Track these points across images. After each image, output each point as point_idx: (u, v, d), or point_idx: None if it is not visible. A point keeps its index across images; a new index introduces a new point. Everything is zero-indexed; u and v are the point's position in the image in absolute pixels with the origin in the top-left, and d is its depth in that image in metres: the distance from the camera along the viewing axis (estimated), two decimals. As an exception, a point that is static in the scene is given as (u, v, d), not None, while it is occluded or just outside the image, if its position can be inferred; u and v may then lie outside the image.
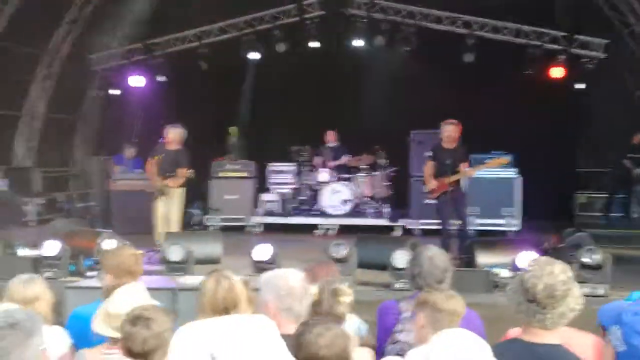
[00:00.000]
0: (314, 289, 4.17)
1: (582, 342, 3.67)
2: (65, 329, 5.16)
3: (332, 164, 16.28)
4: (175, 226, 12.20)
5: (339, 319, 4.06)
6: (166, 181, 12.00)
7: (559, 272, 3.24)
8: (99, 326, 4.11)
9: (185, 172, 12.03)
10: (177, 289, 7.92)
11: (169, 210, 12.17)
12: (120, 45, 17.59)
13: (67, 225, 12.25)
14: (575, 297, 3.26)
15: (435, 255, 4.70)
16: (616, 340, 2.49)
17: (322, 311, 4.06)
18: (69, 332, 5.00)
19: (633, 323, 2.44)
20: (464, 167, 11.52)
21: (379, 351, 4.41)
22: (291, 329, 3.35)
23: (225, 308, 4.15)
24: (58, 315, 6.03)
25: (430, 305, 3.81)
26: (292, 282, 3.93)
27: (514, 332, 4.15)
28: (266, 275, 4.10)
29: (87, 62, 17.25)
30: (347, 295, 4.18)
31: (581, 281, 8.33)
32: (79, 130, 18.21)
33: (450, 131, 11.43)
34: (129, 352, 3.41)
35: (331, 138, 16.60)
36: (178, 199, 12.25)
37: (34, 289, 4.78)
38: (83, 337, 4.45)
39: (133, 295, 4.17)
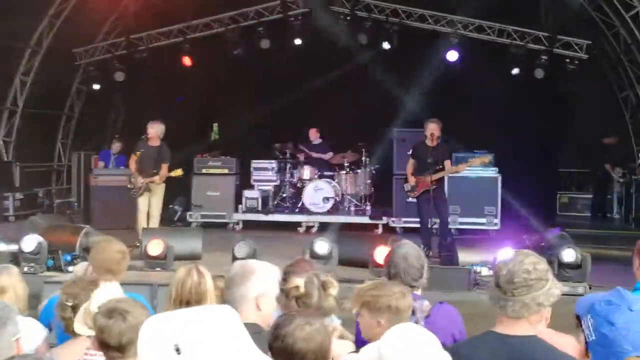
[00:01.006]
0: (299, 282, 4.16)
1: (562, 343, 3.66)
2: (42, 315, 5.15)
3: (316, 155, 16.28)
4: (156, 222, 12.26)
5: (328, 312, 4.05)
6: (152, 177, 12.01)
7: (528, 262, 3.24)
8: (80, 327, 4.03)
9: (168, 170, 12.11)
10: (157, 284, 7.89)
11: (150, 206, 12.21)
12: (103, 40, 17.50)
13: (47, 220, 12.18)
14: (546, 293, 3.22)
15: (409, 253, 4.67)
16: (587, 330, 2.48)
17: (311, 304, 4.05)
18: (45, 319, 4.99)
19: (605, 312, 2.43)
20: (448, 164, 11.57)
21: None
22: None
23: (188, 301, 4.15)
24: (35, 309, 6.01)
25: (390, 309, 3.81)
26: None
27: None
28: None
29: (71, 56, 17.14)
30: (335, 287, 4.18)
31: (561, 279, 8.39)
32: (61, 125, 18.11)
33: (432, 129, 11.44)
34: (104, 345, 3.35)
35: (314, 136, 16.60)
36: (160, 195, 12.31)
37: (3, 279, 4.72)
38: (58, 325, 4.41)
39: (114, 295, 4.11)
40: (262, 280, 3.86)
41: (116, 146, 16.67)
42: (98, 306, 3.49)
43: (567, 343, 3.79)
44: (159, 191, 12.29)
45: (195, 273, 4.26)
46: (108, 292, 4.17)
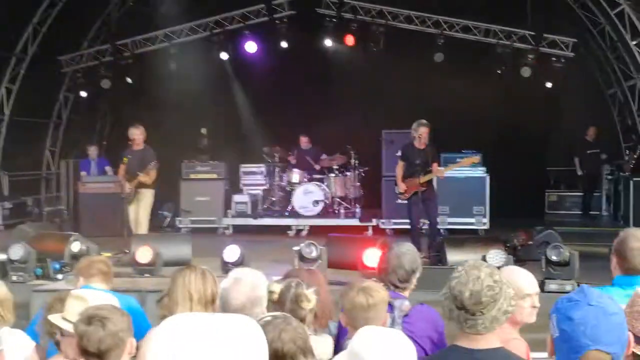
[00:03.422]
0: (276, 288, 4.15)
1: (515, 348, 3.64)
2: (32, 325, 5.12)
3: (318, 166, 16.25)
4: (144, 228, 12.20)
5: (301, 321, 4.04)
6: (139, 178, 11.97)
7: (485, 276, 3.13)
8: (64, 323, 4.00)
9: (152, 166, 12.04)
10: (145, 290, 7.87)
11: (137, 212, 12.18)
12: (89, 47, 17.46)
13: (35, 228, 12.13)
14: (507, 299, 3.16)
15: (404, 254, 4.68)
16: (552, 327, 2.52)
17: (284, 312, 4.04)
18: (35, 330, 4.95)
19: (565, 309, 2.47)
20: (435, 167, 11.53)
21: (339, 345, 4.39)
22: None
23: (207, 302, 4.16)
24: (24, 319, 5.98)
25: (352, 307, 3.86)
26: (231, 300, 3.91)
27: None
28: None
29: (56, 64, 17.09)
30: (309, 302, 4.14)
31: (549, 277, 8.42)
32: (49, 133, 18.04)
33: (423, 132, 11.41)
34: (84, 352, 3.33)
35: (305, 142, 16.57)
36: (147, 202, 12.25)
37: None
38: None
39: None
40: (265, 299, 3.99)
41: (92, 151, 16.73)
42: (79, 312, 3.47)
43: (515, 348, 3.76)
44: (147, 197, 12.22)
45: (208, 274, 4.28)
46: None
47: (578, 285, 7.95)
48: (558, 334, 2.49)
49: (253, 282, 3.93)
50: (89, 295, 4.08)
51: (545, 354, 3.20)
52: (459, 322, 3.19)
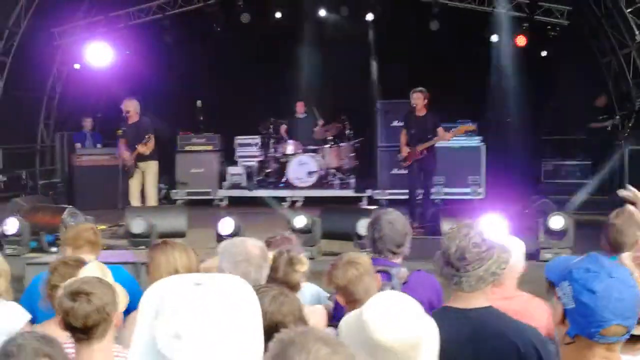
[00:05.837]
0: (270, 255, 4.16)
1: (535, 306, 3.65)
2: (25, 296, 5.11)
3: (321, 135, 16.17)
4: (153, 201, 12.34)
5: (294, 287, 4.05)
6: (137, 150, 11.97)
7: (475, 235, 3.16)
8: None
9: (149, 138, 12.09)
10: (140, 262, 7.87)
11: (145, 186, 12.31)
12: (82, 19, 17.31)
13: (30, 201, 12.13)
14: (497, 261, 3.18)
15: (396, 220, 4.68)
16: (565, 297, 2.43)
17: (277, 278, 4.04)
18: (28, 300, 4.94)
19: (584, 280, 2.37)
20: (441, 131, 11.56)
21: (337, 318, 4.39)
22: None
23: None
24: (19, 292, 5.97)
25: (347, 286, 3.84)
26: (249, 248, 3.91)
27: None
28: (223, 243, 4.08)
29: (50, 36, 16.97)
30: (303, 265, 4.15)
31: (545, 247, 8.43)
32: (44, 105, 17.94)
33: (415, 99, 11.42)
34: (69, 328, 3.24)
35: (300, 109, 16.49)
36: (152, 173, 12.35)
37: None
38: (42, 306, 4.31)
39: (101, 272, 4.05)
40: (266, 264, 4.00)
41: (87, 123, 16.73)
42: (63, 287, 3.41)
43: (539, 306, 3.80)
44: (151, 169, 12.31)
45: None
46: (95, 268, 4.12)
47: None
48: (574, 305, 2.38)
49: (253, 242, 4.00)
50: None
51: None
52: (446, 279, 3.25)
